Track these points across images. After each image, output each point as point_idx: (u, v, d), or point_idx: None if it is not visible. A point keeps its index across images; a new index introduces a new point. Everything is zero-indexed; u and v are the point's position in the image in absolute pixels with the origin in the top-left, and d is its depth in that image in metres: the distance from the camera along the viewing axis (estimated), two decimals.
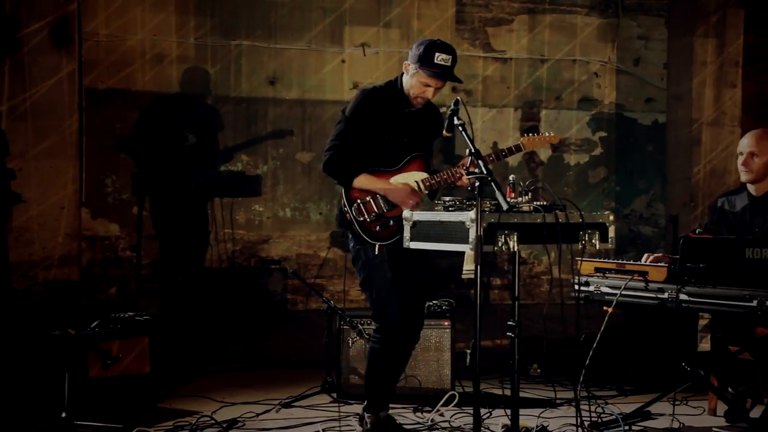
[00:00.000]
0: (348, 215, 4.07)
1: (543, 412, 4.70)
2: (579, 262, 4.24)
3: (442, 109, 4.32)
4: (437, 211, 3.71)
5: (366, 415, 4.23)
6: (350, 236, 4.19)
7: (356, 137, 4.10)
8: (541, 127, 8.64)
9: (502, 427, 4.13)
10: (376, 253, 4.03)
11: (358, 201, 4.06)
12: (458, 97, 3.71)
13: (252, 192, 7.91)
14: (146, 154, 7.65)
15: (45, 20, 6.55)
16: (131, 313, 5.04)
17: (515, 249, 3.39)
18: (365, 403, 4.26)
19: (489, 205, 3.45)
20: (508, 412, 4.12)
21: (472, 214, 3.36)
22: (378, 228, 4.05)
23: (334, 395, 5.02)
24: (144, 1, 7.65)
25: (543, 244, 3.46)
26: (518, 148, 4.25)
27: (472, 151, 3.48)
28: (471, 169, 3.47)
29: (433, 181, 4.13)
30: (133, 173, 7.63)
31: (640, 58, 8.93)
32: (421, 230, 3.71)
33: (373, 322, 4.27)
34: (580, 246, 3.62)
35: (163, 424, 4.44)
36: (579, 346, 4.05)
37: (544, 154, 8.73)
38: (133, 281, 7.66)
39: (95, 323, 4.83)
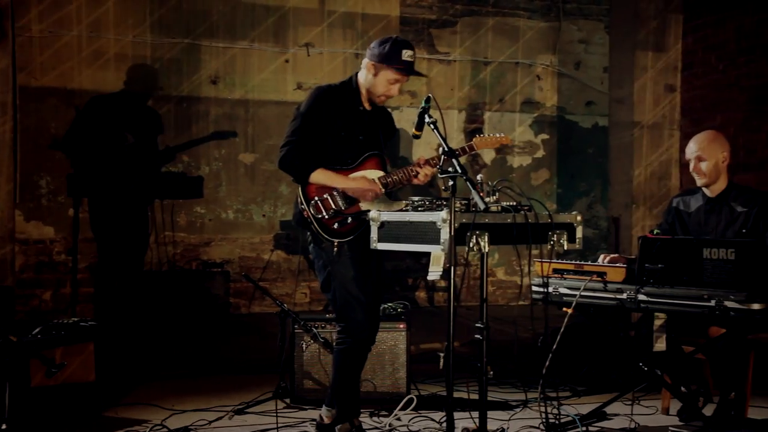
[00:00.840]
0: (305, 213, 4.02)
1: (513, 414, 4.69)
2: (539, 263, 4.22)
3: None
4: (406, 211, 3.64)
5: (338, 428, 4.14)
6: (309, 237, 4.12)
7: (311, 134, 4.06)
8: (484, 130, 8.69)
9: (462, 431, 4.07)
10: (335, 250, 3.98)
11: (316, 198, 4.01)
12: (429, 95, 3.66)
13: (193, 193, 7.72)
14: (83, 154, 7.40)
15: None
16: (75, 319, 4.85)
17: (486, 250, 3.34)
18: (333, 413, 4.18)
19: (459, 205, 3.39)
20: (467, 414, 4.10)
21: (443, 214, 3.30)
22: (336, 225, 4.01)
23: (288, 401, 4.90)
24: None
25: (513, 244, 3.43)
26: (471, 148, 4.24)
27: (446, 149, 3.43)
28: (445, 168, 3.41)
29: (390, 179, 4.10)
30: (68, 174, 7.37)
31: (581, 62, 9.05)
32: (389, 231, 3.63)
33: (336, 324, 4.21)
34: (549, 246, 3.60)
35: None
36: (540, 348, 4.04)
37: (488, 156, 8.76)
38: (68, 286, 7.40)
39: (37, 330, 4.62)
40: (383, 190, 4.07)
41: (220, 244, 7.91)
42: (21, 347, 4.35)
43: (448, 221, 3.27)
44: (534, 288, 4.34)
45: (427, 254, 3.47)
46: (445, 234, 3.28)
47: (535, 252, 3.89)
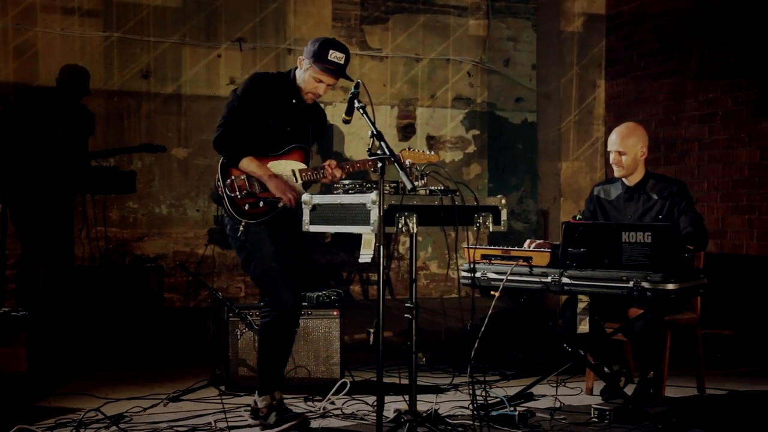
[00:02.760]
0: (220, 189, 4.10)
1: (444, 395, 4.80)
2: (466, 249, 4.35)
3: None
4: (337, 194, 3.74)
5: (259, 399, 4.20)
6: (226, 218, 4.17)
7: (245, 116, 4.14)
8: (416, 125, 8.84)
9: (394, 411, 4.19)
10: (240, 229, 4.06)
11: (233, 177, 4.09)
12: (359, 80, 3.76)
13: (125, 188, 7.63)
14: (9, 148, 7.27)
15: None
16: (6, 309, 4.81)
17: (414, 230, 3.46)
18: (257, 388, 4.24)
19: (388, 188, 3.51)
20: (400, 397, 4.21)
21: (373, 195, 3.41)
22: (247, 207, 4.08)
23: (223, 388, 4.95)
24: None
25: (441, 226, 3.55)
26: (397, 159, 4.33)
27: (374, 132, 3.54)
28: (374, 151, 3.52)
29: (310, 173, 4.19)
30: None
31: (510, 59, 9.27)
32: (320, 213, 3.73)
33: (261, 299, 4.27)
34: (475, 228, 3.73)
35: (45, 422, 4.25)
36: (470, 333, 4.17)
37: None
38: None
39: None
40: (300, 194, 4.10)
41: (154, 240, 7.89)
42: None
43: (377, 202, 3.38)
44: (463, 273, 4.48)
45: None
46: (374, 215, 3.39)
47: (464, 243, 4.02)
